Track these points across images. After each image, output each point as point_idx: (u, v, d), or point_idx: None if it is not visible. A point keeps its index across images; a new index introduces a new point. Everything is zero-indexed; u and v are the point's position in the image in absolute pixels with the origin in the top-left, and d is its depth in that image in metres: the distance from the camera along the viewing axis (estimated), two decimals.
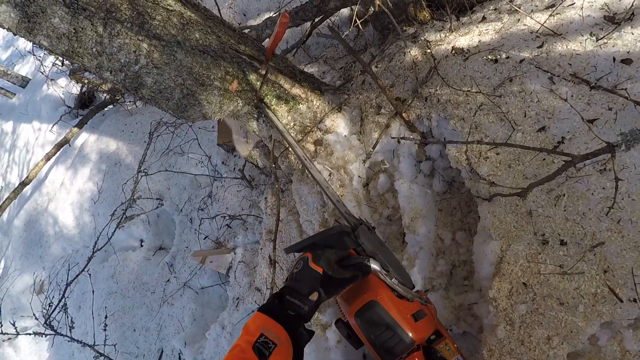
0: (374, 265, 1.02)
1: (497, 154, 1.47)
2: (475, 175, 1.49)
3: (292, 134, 1.91)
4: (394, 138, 1.73)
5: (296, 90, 1.94)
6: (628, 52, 1.39)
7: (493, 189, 1.41)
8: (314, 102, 1.98)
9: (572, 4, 1.58)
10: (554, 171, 1.06)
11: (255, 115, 1.92)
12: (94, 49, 1.57)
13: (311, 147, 1.96)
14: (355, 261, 1.04)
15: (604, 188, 1.26)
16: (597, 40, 1.46)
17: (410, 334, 1.01)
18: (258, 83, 1.82)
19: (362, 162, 1.88)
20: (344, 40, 1.61)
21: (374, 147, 1.82)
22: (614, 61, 1.40)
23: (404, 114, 1.71)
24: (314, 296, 0.99)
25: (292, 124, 1.96)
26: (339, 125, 1.94)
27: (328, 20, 2.60)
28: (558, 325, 1.24)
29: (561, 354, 1.21)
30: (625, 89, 1.33)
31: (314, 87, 2.03)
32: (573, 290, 1.24)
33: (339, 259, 1.04)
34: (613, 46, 1.42)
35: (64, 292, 3.03)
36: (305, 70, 2.62)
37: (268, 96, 1.88)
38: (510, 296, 1.33)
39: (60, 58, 1.66)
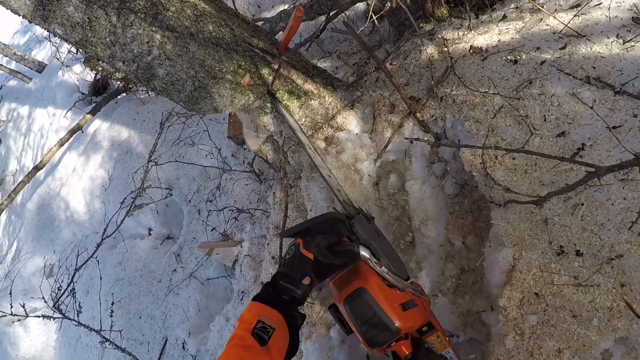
0: (364, 253, 1.02)
1: (513, 158, 1.43)
2: (490, 180, 1.45)
3: (303, 130, 1.88)
4: (407, 139, 1.69)
5: (309, 86, 1.91)
6: None
7: (508, 195, 1.37)
8: (326, 99, 1.95)
9: (599, 4, 1.52)
10: (575, 181, 1.01)
11: (267, 110, 1.90)
12: (107, 39, 1.56)
13: (322, 144, 1.93)
14: (345, 248, 1.04)
15: (625, 198, 1.21)
16: (624, 43, 1.40)
17: (397, 323, 1.01)
18: (270, 77, 1.80)
19: (373, 162, 1.85)
20: (359, 36, 1.57)
21: (386, 147, 1.78)
22: None
23: (417, 114, 1.67)
24: (307, 280, 1.02)
25: (303, 120, 1.93)
26: (351, 122, 1.91)
27: (343, 14, 2.55)
28: (570, 338, 1.20)
29: None
30: None
31: (327, 83, 2.00)
32: (587, 303, 1.20)
33: (329, 245, 1.05)
34: None
35: (73, 277, 3.08)
36: (318, 65, 2.58)
37: (280, 91, 1.85)
38: (521, 306, 1.30)
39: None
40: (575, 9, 1.57)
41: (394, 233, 1.84)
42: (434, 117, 1.68)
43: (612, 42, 1.42)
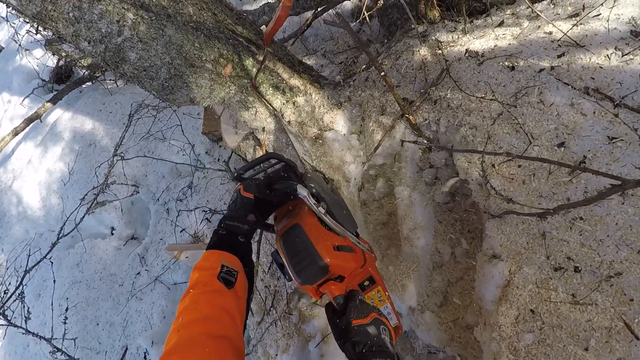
0: (301, 191, 1.03)
1: (519, 166, 1.36)
2: (489, 190, 1.38)
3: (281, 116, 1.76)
4: (404, 141, 1.60)
5: (295, 81, 1.79)
6: None
7: (507, 206, 1.30)
8: (313, 96, 1.83)
9: (598, 15, 1.49)
10: (595, 195, 0.95)
11: (248, 105, 1.76)
12: (70, 14, 1.37)
13: (307, 144, 1.81)
14: (284, 185, 1.08)
15: (625, 214, 1.17)
16: (622, 56, 1.37)
17: (326, 259, 1.00)
18: (254, 69, 1.66)
19: (361, 165, 1.75)
20: (353, 31, 1.47)
21: (376, 149, 1.69)
22: None
23: (410, 117, 1.59)
24: (251, 217, 1.08)
25: (288, 117, 1.81)
26: (338, 122, 1.80)
27: (331, 10, 2.45)
28: (566, 358, 1.14)
29: None
30: None
31: (314, 80, 1.89)
32: (585, 322, 1.15)
33: (269, 184, 1.11)
34: None
35: (22, 279, 2.78)
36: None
37: (264, 84, 1.72)
38: (517, 323, 1.23)
39: (34, 24, 1.46)
40: (574, 18, 1.54)
41: (380, 240, 1.75)
42: (427, 121, 1.60)
43: (610, 53, 1.39)
